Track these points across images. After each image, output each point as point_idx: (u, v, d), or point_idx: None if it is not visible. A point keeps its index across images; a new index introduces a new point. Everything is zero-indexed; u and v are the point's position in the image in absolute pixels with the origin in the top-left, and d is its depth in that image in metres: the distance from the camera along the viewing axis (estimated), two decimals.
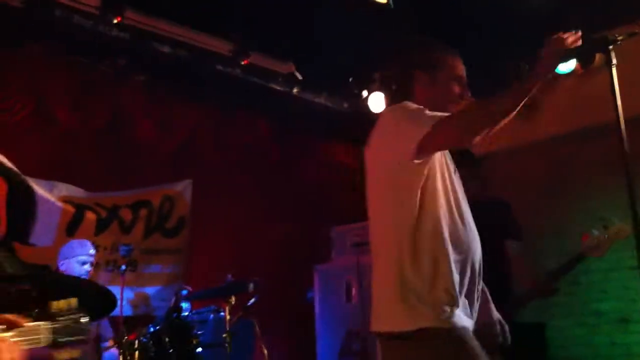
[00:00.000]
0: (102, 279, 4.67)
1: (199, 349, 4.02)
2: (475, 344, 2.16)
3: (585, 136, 5.51)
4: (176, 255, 5.37)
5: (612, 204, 5.18)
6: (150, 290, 5.17)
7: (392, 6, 4.70)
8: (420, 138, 2.15)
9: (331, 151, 6.98)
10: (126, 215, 5.20)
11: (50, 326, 1.61)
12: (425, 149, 2.18)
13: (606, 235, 3.69)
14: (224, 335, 4.01)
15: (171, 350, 3.85)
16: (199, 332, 4.15)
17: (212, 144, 5.82)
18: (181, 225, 5.42)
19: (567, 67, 5.23)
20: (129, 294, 4.93)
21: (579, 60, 5.21)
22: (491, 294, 2.74)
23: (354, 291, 4.89)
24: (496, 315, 2.56)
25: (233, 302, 4.08)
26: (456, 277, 2.18)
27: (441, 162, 2.30)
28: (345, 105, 6.13)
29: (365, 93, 5.95)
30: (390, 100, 2.45)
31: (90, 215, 4.97)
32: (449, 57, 2.49)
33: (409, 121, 2.23)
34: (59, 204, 4.77)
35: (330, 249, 5.28)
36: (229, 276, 4.25)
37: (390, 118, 2.34)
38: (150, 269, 5.24)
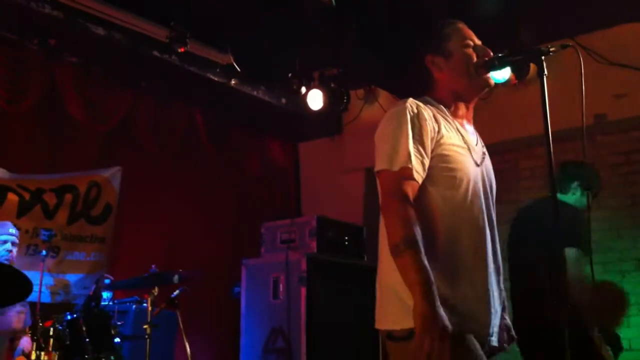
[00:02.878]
0: (22, 263, 4.51)
1: (118, 340, 3.92)
2: (473, 347, 2.10)
3: (516, 146, 5.64)
4: (101, 244, 5.23)
5: None
6: (71, 277, 5.03)
7: (334, 4, 4.69)
8: (382, 170, 2.19)
9: (267, 146, 6.94)
10: (50, 199, 5.04)
11: None
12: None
13: None
14: (145, 327, 3.93)
15: (88, 340, 3.74)
16: (119, 323, 4.06)
17: (145, 130, 5.69)
18: (107, 213, 5.29)
19: (501, 76, 5.34)
20: (48, 280, 4.79)
21: (513, 71, 5.32)
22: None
23: (281, 288, 4.85)
24: (506, 322, 2.46)
25: (156, 294, 4.01)
26: (459, 278, 2.16)
27: (450, 157, 2.24)
28: (283, 100, 6.10)
29: (304, 90, 5.94)
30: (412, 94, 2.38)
31: (12, 197, 4.80)
32: (451, 27, 2.43)
33: (385, 145, 2.22)
34: None
35: (260, 244, 5.23)
36: (153, 267, 4.16)
37: (384, 124, 2.29)
38: (72, 255, 5.09)
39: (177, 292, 4.12)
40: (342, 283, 4.87)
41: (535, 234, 3.57)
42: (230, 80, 5.57)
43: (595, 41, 5.23)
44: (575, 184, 3.92)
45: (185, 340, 4.04)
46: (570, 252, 3.65)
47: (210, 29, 5.30)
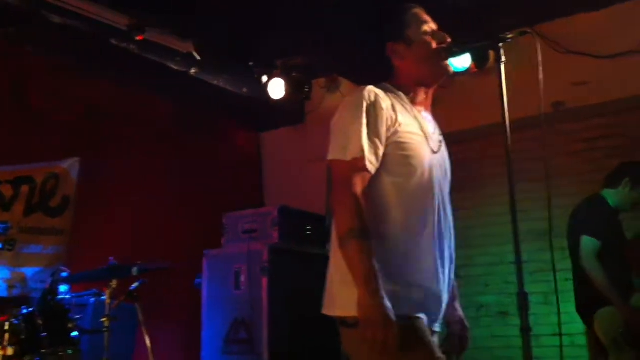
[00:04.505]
0: None
1: (75, 333, 3.85)
2: (422, 334, 2.11)
3: (479, 134, 5.68)
4: (59, 236, 5.13)
5: (498, 204, 5.38)
6: (28, 270, 4.91)
7: None
8: (334, 160, 2.19)
9: (230, 135, 6.89)
10: (6, 191, 4.92)
11: None
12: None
13: None
14: (103, 320, 3.87)
15: (45, 334, 3.66)
16: (78, 316, 3.99)
17: (106, 120, 5.60)
18: (65, 205, 5.18)
19: (461, 64, 5.36)
20: (4, 274, 4.70)
21: (473, 59, 5.35)
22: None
23: (242, 279, 4.81)
24: (459, 315, 2.52)
25: (114, 286, 3.94)
26: (409, 265, 2.15)
27: (405, 145, 2.25)
28: (245, 89, 6.03)
29: (265, 78, 5.89)
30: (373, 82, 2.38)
31: None
32: (409, 14, 2.44)
33: (339, 134, 2.23)
34: None
35: (222, 234, 5.18)
36: (111, 259, 4.09)
37: (340, 112, 2.30)
38: (29, 248, 4.98)
39: (136, 284, 4.06)
40: (304, 273, 4.86)
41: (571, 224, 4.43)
42: (190, 69, 5.48)
43: (553, 30, 5.27)
44: (626, 180, 4.34)
45: (145, 333, 3.98)
46: (585, 241, 4.19)
47: (170, 16, 5.21)
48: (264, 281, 4.70)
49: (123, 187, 5.56)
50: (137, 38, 4.87)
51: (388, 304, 1.99)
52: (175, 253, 5.37)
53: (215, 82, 5.78)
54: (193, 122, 6.38)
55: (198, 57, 5.34)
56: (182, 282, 5.36)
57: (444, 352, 2.29)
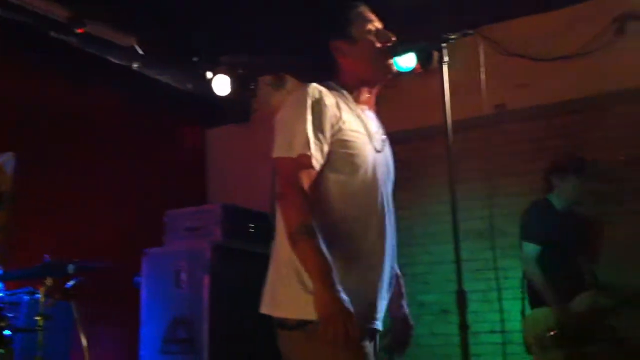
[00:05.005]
0: None
1: (8, 332, 3.73)
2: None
3: (423, 134, 5.73)
4: None
5: (440, 203, 5.43)
6: None
7: None
8: (279, 157, 2.17)
9: (174, 132, 6.78)
10: None
11: None
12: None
13: None
14: (37, 318, 3.76)
15: None
16: (11, 315, 3.86)
17: (44, 115, 5.43)
18: (0, 201, 5.02)
19: (406, 64, 5.40)
20: None
21: (418, 60, 5.39)
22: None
23: (183, 277, 4.73)
24: (404, 312, 2.53)
25: (49, 284, 3.83)
26: (352, 262, 2.14)
27: (348, 141, 2.24)
28: (189, 85, 5.95)
29: (210, 75, 5.82)
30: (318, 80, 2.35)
31: None
32: (354, 12, 2.42)
33: (284, 131, 2.20)
34: None
35: (163, 232, 5.08)
36: (46, 256, 3.98)
37: (284, 109, 2.28)
38: None
39: (72, 282, 3.96)
40: (249, 271, 4.79)
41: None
42: (133, 64, 5.38)
43: (495, 33, 5.35)
44: (568, 176, 4.46)
45: (80, 332, 3.89)
46: (525, 246, 4.34)
47: (111, 9, 5.10)
48: (206, 280, 4.63)
49: (61, 183, 5.41)
50: (78, 31, 4.75)
51: (346, 297, 1.98)
52: (114, 251, 5.26)
53: (158, 78, 5.68)
54: (135, 118, 6.25)
55: (141, 52, 5.23)
56: (122, 281, 5.24)
57: (386, 348, 2.30)
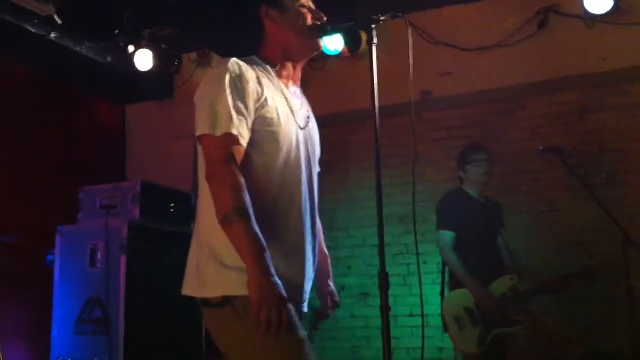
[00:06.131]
0: None
1: None
2: (292, 315, 2.04)
3: (348, 118, 5.74)
4: None
5: (364, 188, 5.47)
6: None
7: None
8: (204, 135, 2.10)
9: (92, 106, 6.56)
10: None
11: None
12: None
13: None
14: None
15: None
16: None
17: None
18: None
19: (334, 47, 5.38)
20: None
21: (346, 43, 5.38)
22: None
23: (99, 256, 4.58)
24: (331, 289, 2.54)
25: None
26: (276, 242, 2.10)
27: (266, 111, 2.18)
28: (109, 59, 5.74)
29: (131, 49, 5.63)
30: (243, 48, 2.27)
31: None
32: None
33: (207, 108, 2.11)
34: None
35: (79, 210, 4.90)
36: None
37: (205, 85, 2.20)
38: None
39: None
40: (167, 251, 4.70)
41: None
42: (50, 33, 5.13)
43: (423, 21, 5.39)
44: (470, 165, 4.58)
45: None
46: (441, 234, 4.48)
47: None
48: (123, 259, 4.50)
49: None
50: None
51: (279, 281, 1.95)
52: (26, 228, 5.04)
53: (77, 49, 5.44)
54: (51, 90, 6.01)
55: (59, 21, 5.00)
56: (33, 259, 5.04)
57: (310, 323, 2.30)
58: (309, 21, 2.34)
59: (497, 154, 4.79)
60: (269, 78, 2.25)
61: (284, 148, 2.19)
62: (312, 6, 2.40)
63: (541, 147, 4.48)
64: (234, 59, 2.19)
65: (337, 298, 2.55)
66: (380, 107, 2.30)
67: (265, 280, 1.92)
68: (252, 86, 2.14)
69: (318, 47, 2.40)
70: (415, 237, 2.56)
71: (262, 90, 2.17)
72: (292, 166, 2.21)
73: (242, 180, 2.03)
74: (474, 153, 4.62)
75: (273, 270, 1.95)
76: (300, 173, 2.24)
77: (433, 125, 5.60)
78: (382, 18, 2.34)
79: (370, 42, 2.35)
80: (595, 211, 4.29)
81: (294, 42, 2.34)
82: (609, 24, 4.93)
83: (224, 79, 2.12)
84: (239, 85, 2.12)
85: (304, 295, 2.25)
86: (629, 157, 5.04)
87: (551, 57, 5.18)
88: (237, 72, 2.14)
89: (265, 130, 2.16)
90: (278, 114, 2.19)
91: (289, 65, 2.36)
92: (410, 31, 2.37)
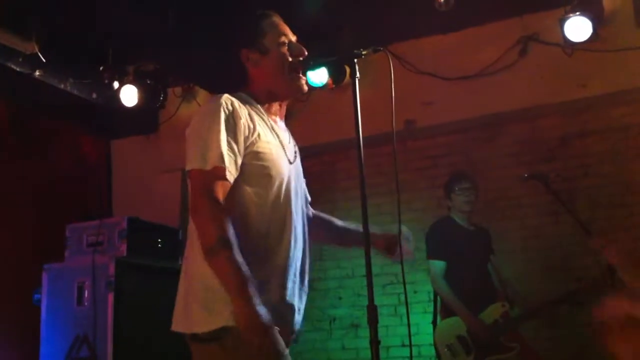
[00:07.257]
0: None
1: None
2: (282, 345, 2.04)
3: (333, 148, 5.77)
4: None
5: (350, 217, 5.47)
6: None
7: None
8: (193, 169, 2.11)
9: (77, 142, 6.54)
10: None
11: None
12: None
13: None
14: None
15: None
16: None
17: None
18: None
19: (319, 79, 5.42)
20: None
21: (330, 75, 5.43)
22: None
23: (86, 294, 4.55)
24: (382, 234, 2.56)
25: None
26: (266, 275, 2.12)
27: (259, 151, 2.21)
28: (94, 95, 5.75)
29: (116, 84, 5.65)
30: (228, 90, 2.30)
31: None
32: (267, 22, 2.38)
33: (198, 143, 2.14)
34: None
35: (64, 247, 4.87)
36: None
37: (197, 120, 2.21)
38: None
39: None
40: (155, 287, 4.67)
41: None
42: (35, 71, 5.15)
43: (406, 50, 5.46)
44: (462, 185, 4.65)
45: None
46: (431, 264, 4.52)
47: (13, 15, 4.88)
48: (110, 296, 4.46)
49: None
50: None
51: (264, 309, 1.96)
52: (10, 267, 5.00)
53: (61, 86, 5.46)
54: (35, 128, 5.99)
55: (43, 59, 5.02)
56: (19, 298, 5.00)
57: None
58: (290, 59, 2.36)
59: (481, 181, 4.83)
60: (259, 114, 2.29)
61: (276, 182, 2.22)
62: (293, 39, 2.42)
63: (526, 175, 4.51)
64: (227, 95, 2.22)
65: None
66: (365, 137, 2.33)
67: (251, 309, 1.94)
68: (244, 122, 2.18)
69: (302, 89, 2.42)
70: (402, 267, 2.57)
71: (254, 126, 2.21)
72: (282, 199, 2.24)
73: (225, 214, 2.05)
74: (458, 181, 4.67)
75: (258, 300, 1.96)
76: (290, 206, 2.26)
77: (417, 153, 5.64)
78: (363, 52, 2.37)
79: (353, 76, 2.38)
80: (580, 235, 4.33)
81: (278, 86, 2.37)
82: (588, 51, 5.01)
83: (217, 114, 2.15)
84: (231, 121, 2.15)
85: (294, 327, 2.25)
86: (612, 181, 5.10)
87: (532, 85, 5.25)
88: (230, 108, 2.17)
89: (257, 164, 2.19)
90: (270, 149, 2.23)
91: (275, 103, 2.40)
92: (391, 63, 2.40)
